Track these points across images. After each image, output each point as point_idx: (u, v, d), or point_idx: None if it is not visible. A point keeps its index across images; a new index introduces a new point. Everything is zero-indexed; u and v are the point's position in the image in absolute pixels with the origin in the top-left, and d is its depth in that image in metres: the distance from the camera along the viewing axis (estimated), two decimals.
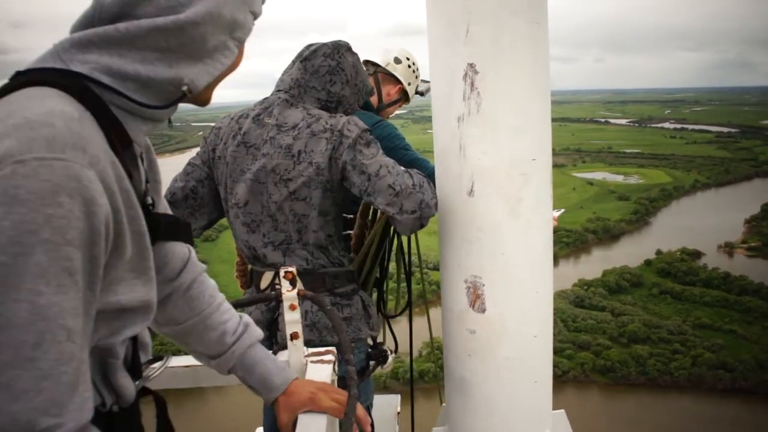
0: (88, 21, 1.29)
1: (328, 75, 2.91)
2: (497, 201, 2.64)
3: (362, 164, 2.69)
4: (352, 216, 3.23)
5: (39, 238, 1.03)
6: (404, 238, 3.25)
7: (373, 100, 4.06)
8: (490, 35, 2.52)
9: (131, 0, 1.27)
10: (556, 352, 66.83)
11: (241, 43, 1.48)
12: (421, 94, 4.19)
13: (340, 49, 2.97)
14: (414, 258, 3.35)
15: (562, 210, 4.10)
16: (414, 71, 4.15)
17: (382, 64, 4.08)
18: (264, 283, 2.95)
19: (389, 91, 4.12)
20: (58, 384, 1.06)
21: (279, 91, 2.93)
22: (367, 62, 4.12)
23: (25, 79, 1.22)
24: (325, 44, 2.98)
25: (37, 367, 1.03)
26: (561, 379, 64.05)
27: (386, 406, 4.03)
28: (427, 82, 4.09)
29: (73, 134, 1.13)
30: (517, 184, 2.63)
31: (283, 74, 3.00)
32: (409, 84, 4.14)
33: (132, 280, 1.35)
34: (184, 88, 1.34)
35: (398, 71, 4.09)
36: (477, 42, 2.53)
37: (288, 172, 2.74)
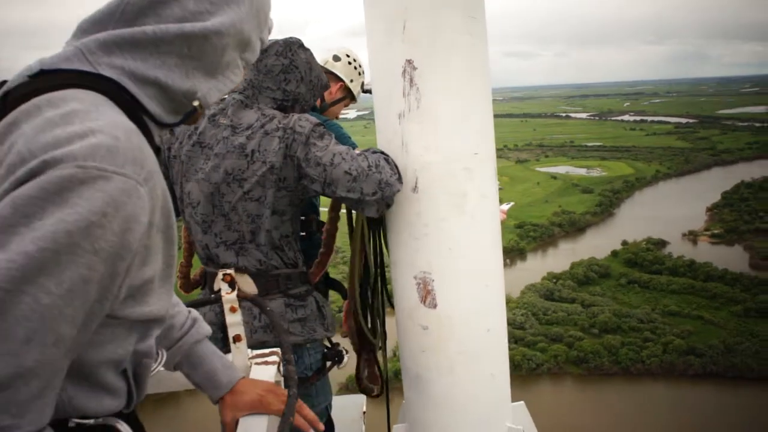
0: (111, 15, 1.30)
1: (282, 74, 2.87)
2: (441, 196, 2.65)
3: (316, 156, 2.66)
4: (303, 218, 3.21)
5: (70, 241, 1.04)
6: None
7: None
8: (427, 31, 2.52)
9: None
10: (529, 345, 67.68)
11: (247, 65, 1.52)
12: (368, 91, 4.17)
13: (292, 47, 2.93)
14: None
15: (511, 203, 4.12)
16: (356, 68, 4.12)
17: (321, 63, 4.04)
18: (217, 284, 2.87)
19: (331, 90, 4.08)
20: (28, 386, 1.05)
21: (233, 92, 2.89)
22: None
23: (58, 79, 1.22)
24: (276, 42, 2.93)
25: (17, 363, 1.03)
26: (535, 372, 64.56)
27: (352, 406, 4.02)
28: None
29: (133, 148, 1.16)
30: (460, 179, 2.63)
31: None
32: (351, 81, 4.11)
33: (159, 290, 1.35)
34: (196, 103, 1.38)
35: (337, 68, 4.06)
36: (414, 38, 2.53)
37: (242, 172, 2.71)
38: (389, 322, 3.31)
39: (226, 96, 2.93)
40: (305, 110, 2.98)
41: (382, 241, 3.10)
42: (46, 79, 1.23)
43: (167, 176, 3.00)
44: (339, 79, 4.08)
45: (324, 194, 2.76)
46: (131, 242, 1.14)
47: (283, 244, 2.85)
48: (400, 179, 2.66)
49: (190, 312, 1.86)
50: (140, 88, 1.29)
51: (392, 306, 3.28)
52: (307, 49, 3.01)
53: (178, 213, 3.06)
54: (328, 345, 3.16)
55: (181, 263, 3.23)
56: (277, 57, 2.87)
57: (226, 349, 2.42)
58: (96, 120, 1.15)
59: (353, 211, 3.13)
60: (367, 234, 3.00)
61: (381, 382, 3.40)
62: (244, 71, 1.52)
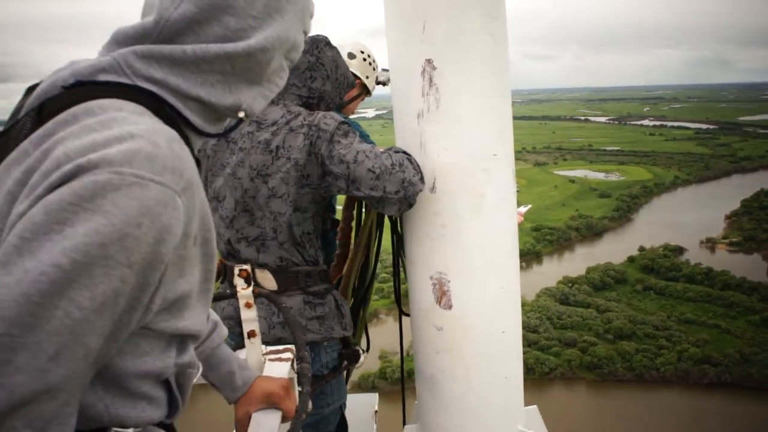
0: (147, 33, 1.25)
1: (308, 71, 2.87)
2: (459, 197, 2.64)
3: (340, 154, 2.65)
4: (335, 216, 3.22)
5: (104, 253, 1.00)
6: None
7: None
8: (447, 31, 2.52)
9: (200, 18, 1.24)
10: (543, 349, 67.45)
11: (293, 63, 1.47)
12: (383, 83, 4.17)
13: (318, 44, 2.92)
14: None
15: (528, 206, 4.10)
16: (370, 63, 4.14)
17: None
18: (236, 280, 2.87)
19: None
20: (55, 399, 1.02)
21: None
22: None
23: (95, 92, 1.18)
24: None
25: (44, 379, 0.99)
26: (548, 376, 64.29)
27: (364, 405, 4.02)
28: (387, 70, 4.09)
29: (174, 156, 1.11)
30: (478, 180, 2.63)
31: None
32: (367, 77, 4.12)
33: (196, 304, 1.32)
34: (241, 114, 1.34)
35: (353, 66, 4.06)
36: (434, 38, 2.53)
37: (266, 167, 2.71)
38: (404, 322, 3.32)
39: None
40: (330, 108, 2.99)
41: (393, 243, 3.12)
42: (83, 92, 1.18)
43: None
44: (355, 76, 4.08)
45: (348, 192, 2.74)
46: (164, 254, 1.10)
47: (305, 241, 2.84)
48: (422, 179, 2.66)
49: (209, 315, 1.83)
50: (182, 102, 1.27)
51: (399, 308, 3.30)
52: (334, 47, 3.01)
53: None
54: (346, 344, 3.15)
55: None
56: (303, 54, 2.83)
57: (243, 344, 2.43)
58: (136, 124, 1.11)
59: (363, 212, 3.14)
60: (374, 235, 3.02)
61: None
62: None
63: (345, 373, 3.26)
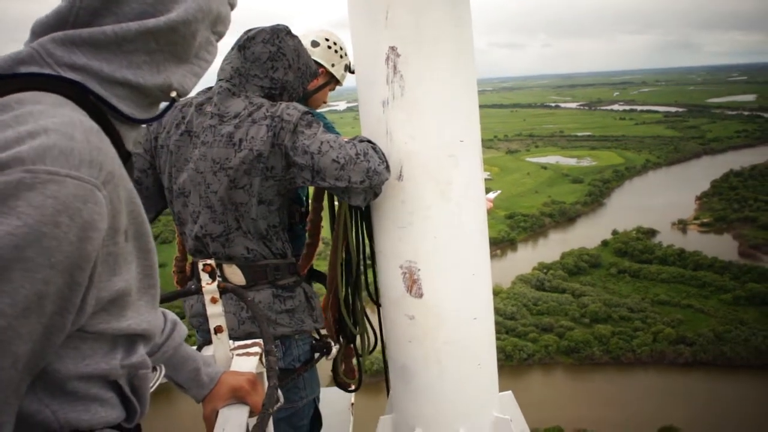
0: (63, 18, 1.19)
1: (270, 61, 2.81)
2: (427, 184, 2.62)
3: (304, 144, 2.62)
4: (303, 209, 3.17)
5: (22, 255, 0.96)
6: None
7: None
8: (411, 17, 2.49)
9: None
10: (520, 336, 67.95)
11: (220, 37, 1.43)
12: (353, 71, 4.04)
13: (279, 34, 2.86)
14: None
15: (498, 191, 4.10)
16: (336, 51, 3.94)
17: None
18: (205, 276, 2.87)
19: None
20: None
21: (221, 80, 2.83)
22: None
23: (16, 84, 1.14)
24: (263, 29, 2.86)
25: None
26: (527, 362, 64.84)
27: (340, 398, 4.01)
28: None
29: (92, 148, 1.06)
30: (445, 167, 2.61)
31: (222, 62, 2.88)
32: (333, 65, 3.92)
33: (137, 302, 1.29)
34: (173, 94, 1.30)
35: (317, 54, 3.85)
36: (397, 24, 2.50)
37: (228, 160, 2.66)
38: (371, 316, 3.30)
39: (213, 85, 2.89)
40: (293, 98, 2.94)
41: (364, 232, 3.08)
42: (2, 86, 1.13)
43: (154, 167, 2.96)
44: (319, 65, 3.88)
45: (313, 183, 2.71)
46: (90, 251, 1.05)
47: (271, 234, 2.81)
48: (387, 168, 2.64)
49: (166, 315, 1.79)
50: (108, 90, 1.21)
51: (372, 299, 3.27)
52: (295, 36, 2.95)
53: (166, 204, 3.01)
54: (317, 336, 3.14)
55: (176, 257, 3.20)
56: (264, 44, 2.81)
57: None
58: (52, 118, 1.05)
59: (336, 202, 3.11)
60: (349, 224, 2.98)
61: (358, 377, 3.41)
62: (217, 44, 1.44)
63: (334, 365, 3.24)
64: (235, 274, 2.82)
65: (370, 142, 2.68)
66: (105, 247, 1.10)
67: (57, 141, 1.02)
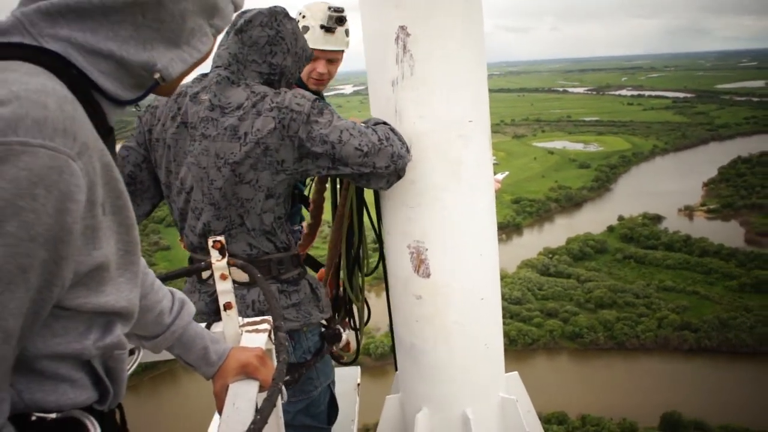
0: None
1: (268, 46, 2.69)
2: (436, 164, 2.62)
3: (321, 134, 2.55)
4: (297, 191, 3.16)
5: (1, 230, 0.94)
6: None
7: None
8: None
9: None
10: (525, 320, 68.12)
11: (218, 32, 1.39)
12: (326, 28, 3.71)
13: (277, 16, 2.74)
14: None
15: (506, 173, 4.11)
16: (305, 16, 3.73)
17: None
18: (205, 273, 2.78)
19: None
20: None
21: (218, 67, 2.72)
22: None
23: None
24: (260, 11, 2.75)
25: None
26: (531, 347, 65.07)
27: (347, 378, 4.03)
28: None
29: (65, 117, 1.03)
30: (455, 147, 2.60)
31: (218, 48, 2.75)
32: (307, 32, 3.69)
33: (117, 279, 1.26)
34: (156, 75, 1.24)
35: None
36: (408, 4, 2.49)
37: (233, 154, 2.56)
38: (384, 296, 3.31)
39: (209, 72, 2.78)
40: (290, 84, 2.85)
41: (368, 212, 3.11)
42: None
43: (149, 160, 2.87)
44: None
45: (330, 170, 2.63)
46: (69, 223, 1.03)
47: (276, 227, 2.73)
48: (408, 150, 2.61)
49: (173, 294, 1.78)
50: (91, 63, 1.17)
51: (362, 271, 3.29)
52: (293, 19, 2.84)
53: (161, 197, 2.93)
54: (325, 325, 3.07)
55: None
56: (262, 28, 2.70)
57: None
58: (24, 85, 1.01)
59: (337, 184, 3.08)
60: (354, 204, 2.98)
61: (355, 351, 3.43)
62: (215, 39, 1.39)
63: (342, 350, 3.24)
64: (236, 271, 2.64)
65: (386, 124, 2.64)
66: (83, 220, 1.08)
67: (29, 110, 0.98)
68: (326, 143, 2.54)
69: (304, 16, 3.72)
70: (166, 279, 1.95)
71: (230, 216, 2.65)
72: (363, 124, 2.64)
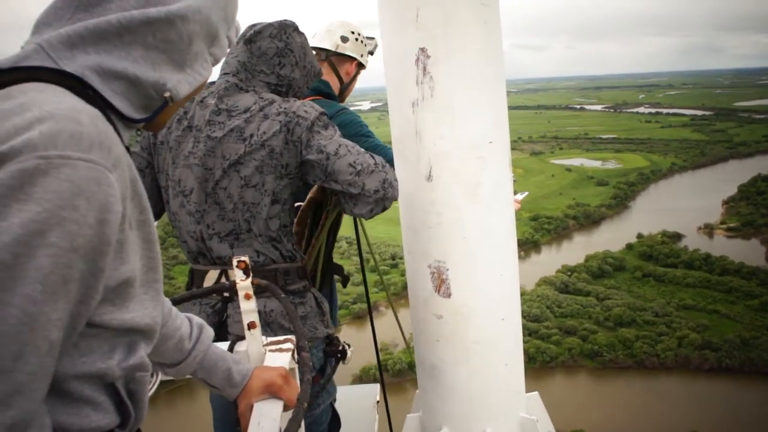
0: (66, 6, 1.23)
1: (277, 57, 2.75)
2: (456, 185, 2.64)
3: (320, 144, 2.59)
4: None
5: (46, 241, 0.98)
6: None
7: (334, 83, 4.01)
8: (441, 18, 2.51)
9: None
10: (543, 338, 67.59)
11: (216, 62, 1.45)
12: (371, 53, 4.16)
13: (287, 29, 2.80)
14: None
15: (525, 193, 4.12)
16: (361, 41, 4.10)
17: (332, 48, 4.01)
18: (207, 283, 2.78)
19: (347, 70, 4.07)
20: (30, 401, 0.99)
21: (226, 74, 2.77)
22: (316, 49, 3.98)
23: (14, 76, 1.15)
24: (270, 24, 2.80)
25: (13, 379, 0.96)
26: (549, 365, 64.52)
27: (366, 395, 4.03)
28: (371, 38, 4.09)
29: (99, 132, 1.08)
30: (474, 168, 2.63)
31: (227, 56, 2.80)
32: (361, 55, 4.12)
33: (141, 296, 1.28)
34: (167, 94, 1.30)
35: (348, 49, 4.03)
36: (428, 26, 2.52)
37: (239, 156, 2.59)
38: (405, 313, 3.32)
39: (216, 79, 2.82)
40: (298, 96, 2.89)
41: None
42: (4, 78, 1.15)
43: (152, 166, 2.87)
44: (351, 58, 4.07)
45: (323, 183, 2.67)
46: (109, 235, 1.07)
47: (281, 234, 2.73)
48: (397, 189, 2.66)
49: (191, 320, 1.81)
50: (106, 84, 1.22)
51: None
52: (302, 33, 2.89)
53: (163, 207, 2.90)
54: (330, 342, 2.99)
55: None
56: (271, 39, 2.75)
57: None
58: (56, 104, 1.07)
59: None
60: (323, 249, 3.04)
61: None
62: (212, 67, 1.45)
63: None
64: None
65: (386, 159, 2.69)
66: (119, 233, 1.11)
67: (65, 126, 1.03)
68: (322, 153, 2.58)
69: (361, 36, 4.11)
70: (187, 299, 1.97)
71: (237, 220, 2.65)
72: (363, 149, 2.68)
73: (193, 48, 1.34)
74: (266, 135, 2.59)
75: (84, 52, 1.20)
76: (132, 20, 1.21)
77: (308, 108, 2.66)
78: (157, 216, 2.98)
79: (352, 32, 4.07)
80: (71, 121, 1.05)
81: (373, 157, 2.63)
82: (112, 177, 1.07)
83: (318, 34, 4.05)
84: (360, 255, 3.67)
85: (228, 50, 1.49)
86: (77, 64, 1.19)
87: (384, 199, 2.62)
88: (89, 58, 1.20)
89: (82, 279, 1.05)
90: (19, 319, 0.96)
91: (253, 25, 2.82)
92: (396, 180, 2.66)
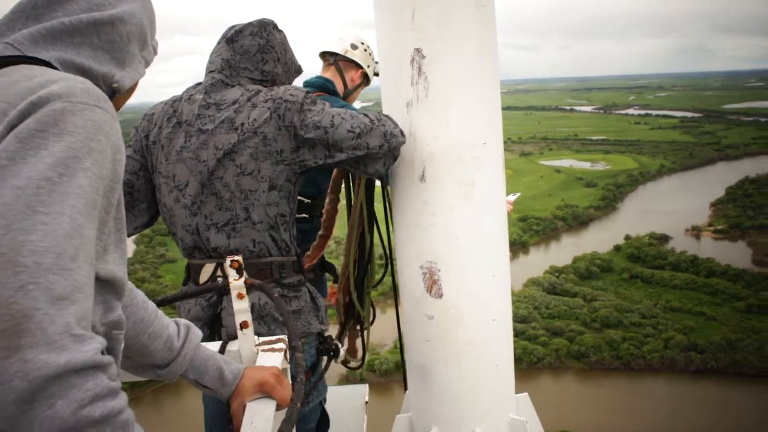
0: (17, 15, 1.40)
1: (259, 54, 2.82)
2: (449, 185, 2.65)
3: (314, 120, 2.62)
4: (309, 200, 3.22)
5: (82, 165, 1.12)
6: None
7: (339, 86, 4.15)
8: (436, 19, 2.52)
9: None
10: (530, 339, 67.67)
11: (147, 63, 1.63)
12: (377, 74, 4.26)
13: (267, 27, 2.87)
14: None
15: (518, 194, 4.14)
16: (370, 54, 4.27)
17: (341, 52, 4.18)
18: (204, 276, 2.79)
19: (352, 77, 4.23)
20: (88, 299, 1.10)
21: (211, 72, 2.82)
22: (325, 53, 4.23)
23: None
24: (250, 23, 2.87)
25: (73, 278, 1.06)
26: (536, 366, 64.59)
27: (354, 396, 4.03)
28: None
29: (100, 92, 1.25)
30: (468, 168, 2.63)
31: (211, 55, 2.89)
32: (368, 66, 4.26)
33: (113, 253, 1.33)
34: (115, 85, 1.47)
35: (357, 56, 4.21)
36: (423, 26, 2.53)
37: (232, 145, 2.62)
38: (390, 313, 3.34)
39: (203, 77, 2.87)
40: None
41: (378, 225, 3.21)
42: None
43: (146, 167, 2.89)
44: (358, 66, 4.22)
45: (328, 158, 2.68)
46: (119, 172, 1.23)
47: (279, 223, 2.73)
48: (402, 132, 2.67)
49: (177, 321, 1.82)
50: (68, 72, 1.35)
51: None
52: (281, 31, 2.95)
53: (157, 209, 2.93)
54: (321, 338, 3.02)
55: None
56: (252, 37, 2.82)
57: None
58: (57, 73, 1.26)
59: (352, 192, 3.15)
60: (365, 211, 3.04)
61: (362, 355, 3.52)
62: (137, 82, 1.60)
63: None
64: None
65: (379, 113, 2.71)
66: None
67: (75, 83, 1.22)
68: (319, 128, 2.61)
69: (370, 49, 4.32)
70: (181, 298, 1.95)
71: (235, 209, 2.67)
72: (356, 111, 2.72)
73: (130, 48, 1.52)
74: (257, 122, 2.63)
75: (44, 48, 1.37)
76: (81, 22, 1.40)
77: (293, 90, 2.71)
78: (153, 218, 3.01)
79: (362, 43, 4.26)
80: (79, 81, 1.23)
81: (367, 115, 2.66)
82: (117, 125, 1.24)
83: (330, 40, 4.28)
84: (386, 256, 3.61)
85: (155, 55, 1.67)
86: (44, 55, 1.35)
87: (391, 149, 2.66)
88: (50, 54, 1.36)
89: (101, 209, 1.19)
90: (72, 226, 1.08)
91: (234, 26, 2.89)
92: (396, 126, 2.67)
